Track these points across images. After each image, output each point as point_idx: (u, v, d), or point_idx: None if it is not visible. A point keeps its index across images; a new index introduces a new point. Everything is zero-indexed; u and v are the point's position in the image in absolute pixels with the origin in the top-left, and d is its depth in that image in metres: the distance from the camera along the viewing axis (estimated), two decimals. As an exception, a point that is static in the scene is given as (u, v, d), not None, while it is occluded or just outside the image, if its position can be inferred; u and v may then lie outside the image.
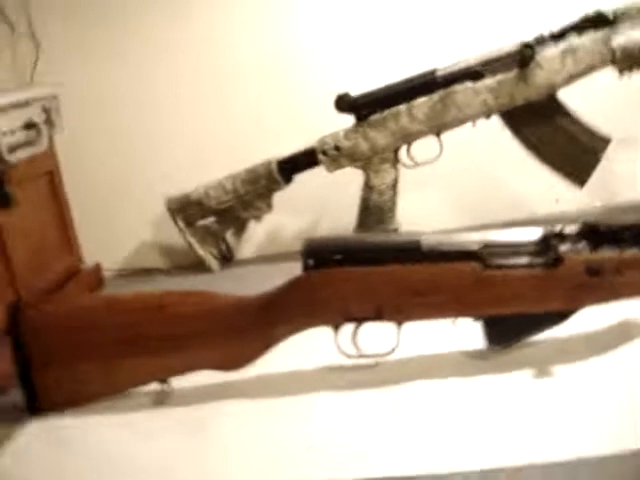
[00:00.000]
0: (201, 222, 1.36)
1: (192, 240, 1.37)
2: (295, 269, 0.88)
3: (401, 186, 1.29)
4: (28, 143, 1.13)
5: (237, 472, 0.73)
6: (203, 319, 0.87)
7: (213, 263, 1.39)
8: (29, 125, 1.14)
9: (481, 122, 1.23)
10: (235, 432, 0.81)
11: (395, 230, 1.27)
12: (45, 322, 0.90)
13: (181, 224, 1.36)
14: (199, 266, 1.39)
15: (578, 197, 1.31)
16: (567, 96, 1.21)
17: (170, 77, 1.43)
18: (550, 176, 1.25)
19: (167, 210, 1.36)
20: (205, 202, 1.34)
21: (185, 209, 1.35)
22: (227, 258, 1.42)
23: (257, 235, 1.47)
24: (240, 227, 1.38)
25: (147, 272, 1.48)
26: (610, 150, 1.26)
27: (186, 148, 1.45)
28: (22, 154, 1.10)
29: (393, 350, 0.86)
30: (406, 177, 1.29)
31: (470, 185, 1.39)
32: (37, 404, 0.90)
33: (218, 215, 1.36)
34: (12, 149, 1.07)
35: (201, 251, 1.37)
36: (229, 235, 1.41)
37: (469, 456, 0.70)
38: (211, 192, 1.34)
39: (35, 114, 1.17)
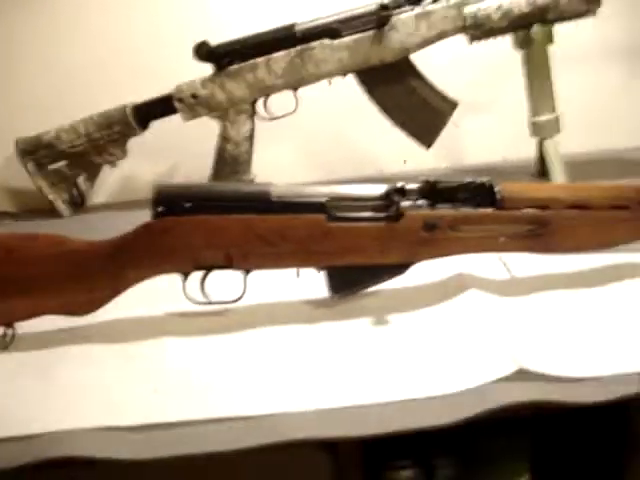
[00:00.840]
0: (52, 166, 1.33)
1: (42, 184, 1.33)
2: (147, 216, 0.88)
3: (256, 138, 1.30)
4: None
5: (82, 414, 0.74)
6: (51, 263, 0.86)
7: (63, 208, 1.35)
8: None
9: (337, 80, 1.25)
10: (81, 376, 0.81)
11: (250, 181, 1.29)
12: None
13: (30, 167, 1.32)
14: (49, 211, 1.36)
15: (426, 158, 1.36)
16: (421, 59, 1.25)
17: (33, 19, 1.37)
18: (399, 137, 1.29)
19: (16, 152, 1.32)
20: (57, 145, 1.30)
21: (36, 151, 1.31)
22: (78, 203, 1.39)
23: (110, 181, 1.44)
24: (93, 172, 1.35)
25: (-7, 215, 1.43)
26: (458, 114, 1.32)
27: (42, 90, 1.40)
28: None
29: (240, 297, 0.88)
30: (262, 129, 1.31)
31: (323, 141, 1.42)
32: None
33: (70, 159, 1.32)
34: None
35: (51, 195, 1.34)
36: (81, 180, 1.38)
37: (309, 397, 0.74)
38: (63, 135, 1.30)
39: None
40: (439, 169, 1.42)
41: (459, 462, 0.96)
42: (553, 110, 1.22)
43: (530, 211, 0.88)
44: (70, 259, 0.87)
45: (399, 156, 1.43)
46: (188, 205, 0.85)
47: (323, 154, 1.43)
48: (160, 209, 0.86)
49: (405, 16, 1.19)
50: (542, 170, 1.29)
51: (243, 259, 0.87)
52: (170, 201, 0.86)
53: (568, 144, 1.26)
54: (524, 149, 1.34)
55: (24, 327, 0.89)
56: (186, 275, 0.88)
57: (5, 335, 0.89)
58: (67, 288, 0.87)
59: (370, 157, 1.44)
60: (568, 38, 1.23)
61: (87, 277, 0.87)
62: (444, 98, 1.25)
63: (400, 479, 0.92)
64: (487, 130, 1.48)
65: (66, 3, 1.39)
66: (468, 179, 0.89)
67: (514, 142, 1.35)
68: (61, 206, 1.35)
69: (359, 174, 1.37)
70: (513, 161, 1.42)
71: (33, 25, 1.39)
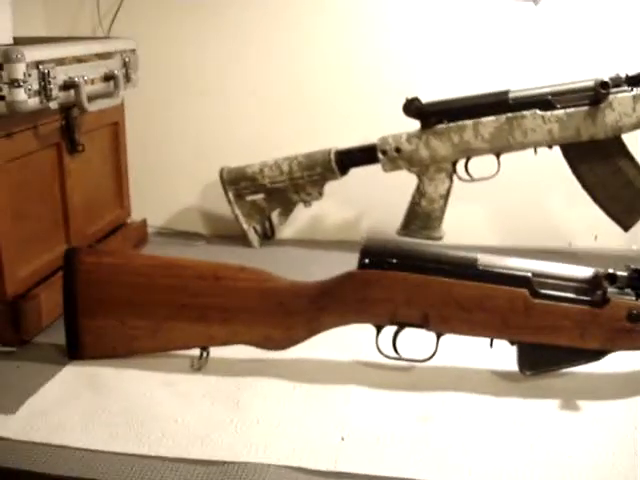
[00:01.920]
0: (251, 197, 1.39)
1: (239, 212, 1.40)
2: (332, 258, 0.91)
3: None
4: (106, 94, 1.16)
5: (265, 450, 0.76)
6: (254, 296, 0.91)
7: (254, 239, 1.42)
8: (108, 77, 1.17)
9: (541, 150, 1.25)
10: (270, 410, 0.84)
11: (439, 238, 1.30)
12: (102, 272, 0.94)
13: (231, 195, 1.39)
14: (239, 238, 1.42)
15: (617, 237, 1.33)
16: (630, 140, 1.23)
17: (253, 48, 1.46)
18: (592, 212, 1.27)
19: (220, 179, 1.39)
20: (259, 179, 1.37)
21: (238, 182, 1.38)
22: (268, 236, 1.45)
23: (300, 218, 1.50)
24: (288, 208, 1.41)
25: (187, 235, 1.51)
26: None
27: (252, 124, 1.47)
28: (99, 105, 1.12)
29: (431, 357, 0.89)
30: (456, 188, 1.32)
31: (515, 207, 1.41)
32: (78, 351, 0.94)
33: (269, 193, 1.38)
34: (90, 98, 1.09)
35: (245, 225, 1.40)
36: (274, 214, 1.44)
37: (483, 471, 0.73)
38: (266, 170, 1.36)
39: (116, 66, 1.20)
40: (629, 250, 1.38)
41: None
42: None
43: None
44: (273, 295, 0.91)
45: (590, 231, 1.39)
46: (394, 261, 0.87)
47: (513, 220, 1.42)
48: (367, 261, 0.88)
49: (623, 96, 1.17)
50: None
51: (439, 321, 0.88)
52: (377, 254, 0.88)
53: None
54: None
55: (217, 352, 0.94)
56: (380, 328, 0.90)
57: (201, 357, 0.94)
58: (266, 323, 0.91)
59: (560, 229, 1.42)
60: None
61: (286, 315, 0.91)
62: (651, 182, 1.22)
63: None
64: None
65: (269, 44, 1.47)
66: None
67: None
68: (253, 236, 1.41)
69: (545, 244, 1.35)
70: None
71: (245, 60, 1.47)
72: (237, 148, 1.45)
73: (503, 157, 1.27)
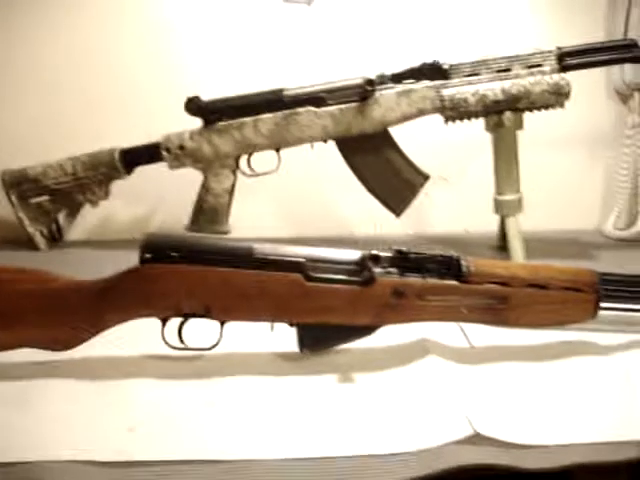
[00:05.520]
0: (35, 199, 1.36)
1: (23, 216, 1.36)
2: (123, 257, 0.92)
3: (237, 192, 1.36)
4: None
5: (58, 446, 0.77)
6: (37, 297, 0.90)
7: (41, 241, 1.39)
8: None
9: (318, 145, 1.32)
10: (59, 409, 0.84)
11: (226, 233, 1.34)
12: None
13: (14, 199, 1.35)
14: (26, 243, 1.39)
15: (395, 224, 1.43)
16: (398, 133, 1.33)
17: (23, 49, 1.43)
18: (372, 202, 1.36)
19: (1, 182, 1.35)
20: (42, 180, 1.35)
21: (20, 184, 1.35)
22: (56, 238, 1.43)
23: (88, 219, 1.48)
24: (74, 210, 1.39)
25: (-31, 241, 1.45)
26: (428, 186, 1.40)
27: (32, 126, 1.44)
28: None
29: (215, 345, 0.93)
30: (242, 184, 1.36)
31: (300, 200, 1.49)
32: None
33: (53, 195, 1.36)
34: None
35: (31, 228, 1.37)
36: (61, 216, 1.41)
37: (275, 446, 0.79)
38: (50, 171, 1.34)
39: None
40: (407, 235, 1.49)
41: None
42: (517, 191, 1.30)
43: (492, 286, 0.95)
44: (55, 296, 0.91)
45: (370, 220, 1.49)
46: (174, 255, 0.90)
47: (298, 213, 1.50)
48: (147, 255, 0.90)
49: (387, 92, 1.27)
50: (503, 245, 1.36)
51: (221, 310, 0.91)
52: (158, 249, 0.91)
53: (530, 222, 1.34)
54: (486, 223, 1.41)
55: (3, 357, 0.92)
56: (165, 321, 0.92)
57: (-18, 364, 0.92)
58: (50, 323, 0.90)
59: (343, 219, 1.51)
60: (536, 123, 1.32)
61: (70, 315, 0.90)
62: (417, 171, 1.32)
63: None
64: (454, 203, 1.56)
65: (60, 45, 1.44)
66: (438, 252, 0.95)
67: (476, 215, 1.42)
68: (39, 239, 1.39)
69: (331, 234, 1.43)
70: (475, 233, 1.50)
71: (33, 57, 1.44)
72: (16, 150, 1.41)
73: (286, 152, 1.33)
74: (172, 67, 1.43)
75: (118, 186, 1.39)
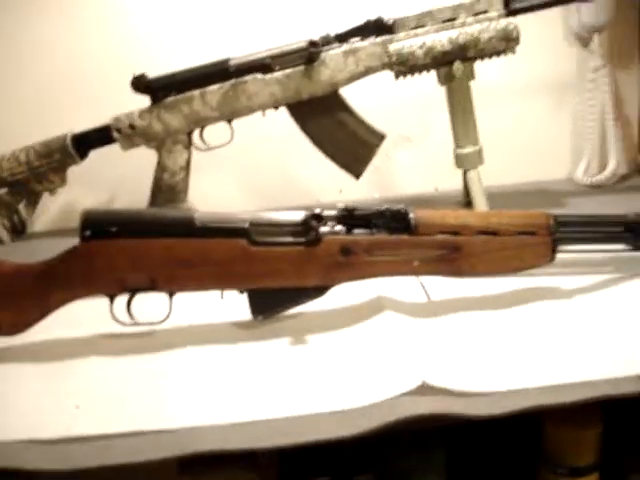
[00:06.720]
0: (-8, 193, 1.36)
1: (-18, 210, 1.35)
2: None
3: (195, 167, 1.34)
4: None
5: (6, 426, 0.77)
6: (-21, 284, 0.89)
7: (4, 234, 1.38)
8: None
9: (273, 112, 1.30)
10: (7, 392, 0.84)
11: (187, 209, 1.32)
12: None
13: (-29, 194, 1.34)
14: (-12, 237, 1.38)
15: (360, 189, 1.42)
16: (350, 94, 1.30)
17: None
18: (335, 168, 1.34)
19: (-44, 179, 1.34)
20: (-3, 172, 1.33)
21: (-24, 179, 1.34)
22: (18, 230, 1.42)
23: (51, 209, 1.47)
24: (33, 200, 1.38)
25: None
26: (389, 146, 1.38)
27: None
28: None
29: (166, 319, 0.92)
30: (201, 160, 1.35)
31: (261, 171, 1.47)
32: None
33: (11, 186, 1.35)
34: None
35: (-9, 222, 1.36)
36: (22, 207, 1.40)
37: (224, 411, 0.79)
38: (4, 163, 1.33)
39: None
40: (372, 199, 1.48)
41: (378, 477, 1.00)
42: (476, 143, 1.28)
43: (442, 237, 0.94)
44: (-1, 281, 0.90)
45: (335, 186, 1.47)
46: (114, 229, 0.89)
47: (261, 184, 1.48)
48: (87, 233, 0.90)
49: (333, 52, 1.25)
50: (468, 200, 1.34)
51: (167, 282, 0.91)
52: (97, 225, 0.90)
53: (494, 175, 1.33)
54: (457, 181, 1.40)
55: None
56: (112, 297, 0.92)
57: None
58: (-4, 309, 0.90)
59: (307, 187, 1.49)
60: (492, 72, 1.30)
61: (15, 299, 0.90)
62: (372, 131, 1.30)
63: (319, 494, 0.96)
64: (420, 162, 1.54)
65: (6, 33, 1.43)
66: (384, 206, 0.94)
67: (446, 173, 1.40)
68: (2, 232, 1.37)
69: (296, 203, 1.41)
70: (444, 192, 1.48)
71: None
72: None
73: (241, 123, 1.31)
74: (117, 47, 1.41)
75: (77, 173, 1.37)
